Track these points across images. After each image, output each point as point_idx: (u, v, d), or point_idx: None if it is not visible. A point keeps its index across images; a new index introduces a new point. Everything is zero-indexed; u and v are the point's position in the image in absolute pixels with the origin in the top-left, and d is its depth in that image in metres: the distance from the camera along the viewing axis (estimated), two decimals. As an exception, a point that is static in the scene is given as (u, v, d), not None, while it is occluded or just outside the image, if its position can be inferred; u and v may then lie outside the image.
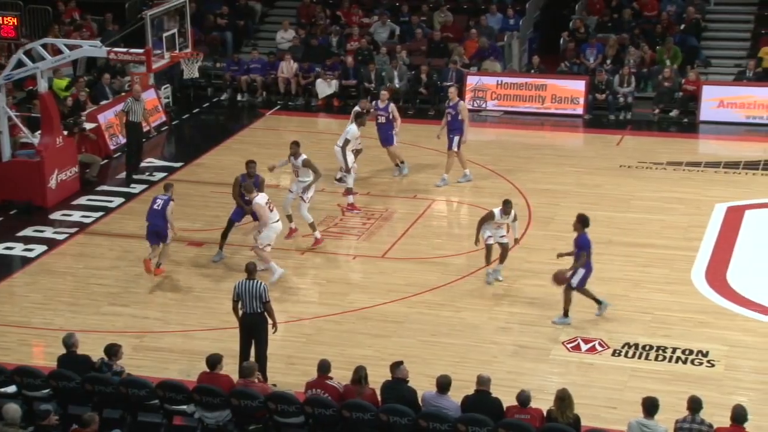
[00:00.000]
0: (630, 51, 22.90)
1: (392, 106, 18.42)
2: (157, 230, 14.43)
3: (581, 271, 13.09)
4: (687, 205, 16.98)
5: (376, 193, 17.81)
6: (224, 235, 15.07)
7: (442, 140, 18.13)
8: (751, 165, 18.80)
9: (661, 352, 12.50)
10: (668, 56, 22.63)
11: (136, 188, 18.12)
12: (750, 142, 20.42)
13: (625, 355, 12.48)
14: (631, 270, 14.72)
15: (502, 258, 14.39)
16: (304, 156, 15.53)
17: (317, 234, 15.57)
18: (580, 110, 22.11)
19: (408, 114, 22.33)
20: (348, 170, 16.83)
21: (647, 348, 12.61)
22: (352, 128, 16.94)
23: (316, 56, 23.91)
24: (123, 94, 21.32)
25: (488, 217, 14.21)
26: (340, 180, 17.35)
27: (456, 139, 17.81)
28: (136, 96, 18.49)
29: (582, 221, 13.26)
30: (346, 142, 16.80)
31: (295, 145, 15.61)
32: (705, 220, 16.34)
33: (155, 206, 14.52)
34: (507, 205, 14.17)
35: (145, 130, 19.07)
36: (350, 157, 16.88)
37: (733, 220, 16.26)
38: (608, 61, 23.06)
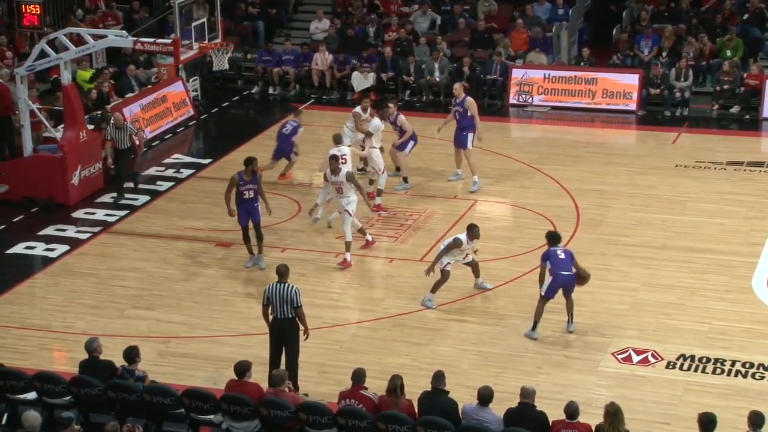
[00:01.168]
0: (688, 42, 22.68)
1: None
2: (284, 153, 17.28)
3: (548, 280, 12.96)
4: (748, 208, 16.79)
5: (415, 193, 17.79)
6: (246, 239, 15.05)
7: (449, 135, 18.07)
8: (819, 165, 18.56)
9: (719, 364, 12.37)
10: (729, 48, 22.39)
11: (162, 185, 18.24)
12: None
13: (680, 368, 12.36)
14: (688, 277, 14.58)
15: (477, 272, 14.18)
16: (346, 169, 15.32)
17: (368, 237, 15.67)
18: (633, 106, 21.94)
19: (449, 109, 22.30)
20: (382, 171, 16.86)
21: (704, 360, 12.47)
22: (375, 121, 16.93)
23: (353, 47, 23.94)
24: (150, 86, 21.49)
25: (454, 245, 13.75)
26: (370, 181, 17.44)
27: (469, 136, 17.68)
28: (118, 124, 17.75)
29: (549, 239, 13.32)
30: (369, 135, 16.89)
31: (334, 160, 15.21)
32: (767, 224, 16.15)
33: (284, 130, 17.36)
34: (473, 230, 13.82)
35: (138, 147, 18.67)
36: (378, 156, 16.87)
37: (798, 224, 16.06)
38: (664, 54, 22.86)
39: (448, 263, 13.90)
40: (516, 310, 13.82)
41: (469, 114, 17.73)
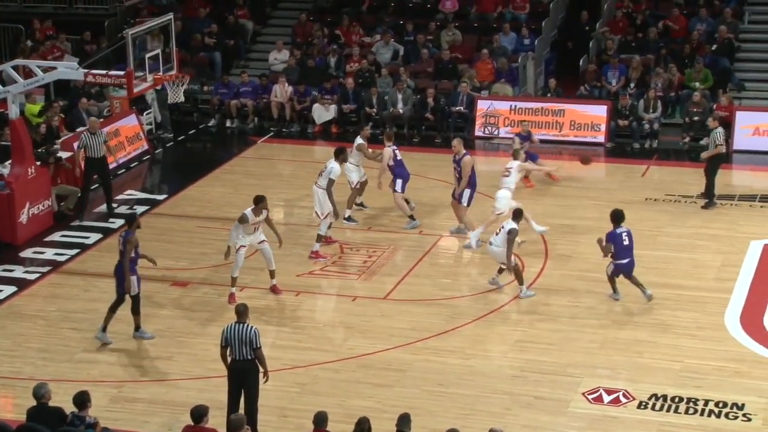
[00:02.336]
0: (656, 73, 23.07)
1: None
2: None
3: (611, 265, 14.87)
4: (720, 243, 17.04)
5: (379, 229, 17.87)
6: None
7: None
8: (790, 198, 18.91)
9: (692, 404, 12.49)
10: (698, 79, 22.80)
11: (115, 223, 18.19)
12: (789, 173, 20.54)
13: (653, 408, 12.47)
14: (659, 313, 14.74)
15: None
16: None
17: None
18: (601, 138, 22.25)
19: (413, 142, 22.52)
20: (336, 214, 16.78)
21: (677, 400, 12.59)
22: (334, 166, 16.71)
23: (313, 79, 24.07)
24: (102, 120, 21.49)
25: (516, 235, 15.31)
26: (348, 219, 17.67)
27: (466, 193, 17.12)
28: (92, 130, 18.34)
29: (613, 217, 15.03)
30: (330, 182, 16.57)
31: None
32: (739, 258, 16.38)
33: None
34: (520, 215, 15.50)
35: (114, 162, 19.07)
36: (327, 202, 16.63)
37: (770, 258, 16.32)
38: (632, 85, 23.24)
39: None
40: (482, 349, 13.89)
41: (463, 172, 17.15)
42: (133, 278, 13.95)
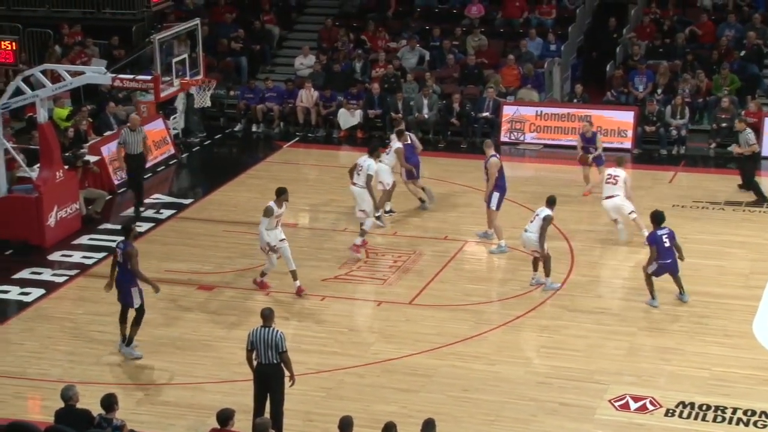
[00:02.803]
0: (683, 79, 22.97)
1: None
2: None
3: (653, 265, 14.86)
4: (748, 250, 16.94)
5: (404, 234, 17.89)
6: None
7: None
8: (821, 205, 18.77)
9: (720, 412, 12.42)
10: (725, 85, 22.68)
11: (142, 226, 18.30)
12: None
13: (680, 416, 12.41)
14: (686, 320, 14.67)
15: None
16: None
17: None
18: (628, 144, 22.17)
19: (439, 147, 22.53)
20: (376, 208, 17.00)
21: (704, 408, 12.52)
22: (371, 163, 16.91)
23: (339, 84, 24.15)
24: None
25: (549, 223, 15.56)
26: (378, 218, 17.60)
27: (494, 196, 17.08)
28: (132, 127, 18.83)
29: (654, 218, 15.10)
30: (369, 178, 16.84)
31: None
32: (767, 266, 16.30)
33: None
34: (553, 201, 15.76)
35: (149, 161, 19.46)
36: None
37: (799, 265, 16.21)
38: (659, 91, 23.14)
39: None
40: (508, 355, 13.87)
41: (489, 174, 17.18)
42: (134, 290, 13.85)
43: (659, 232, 14.89)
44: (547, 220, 15.51)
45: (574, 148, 21.92)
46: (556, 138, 22.54)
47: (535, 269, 15.76)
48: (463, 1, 26.17)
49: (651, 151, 22.06)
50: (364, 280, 16.14)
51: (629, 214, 17.23)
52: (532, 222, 15.69)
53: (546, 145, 22.46)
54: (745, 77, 22.96)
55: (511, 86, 23.81)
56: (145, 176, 19.84)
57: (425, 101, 23.09)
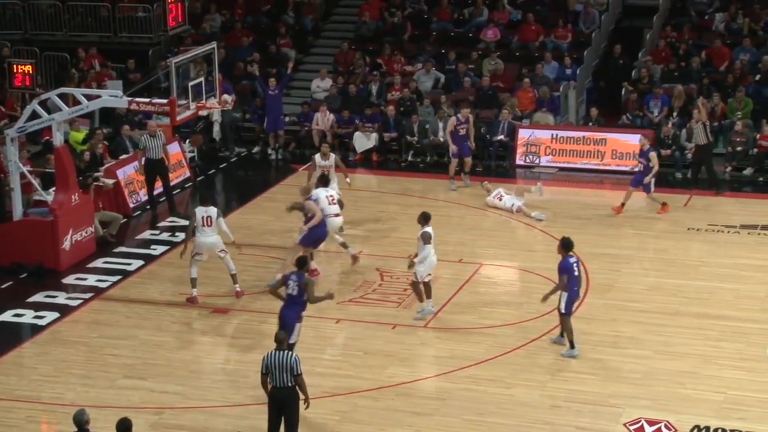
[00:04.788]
0: (698, 103, 22.95)
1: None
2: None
3: (564, 295, 14.17)
4: (764, 273, 16.89)
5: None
6: None
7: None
8: (836, 229, 18.73)
9: (736, 436, 12.38)
10: (740, 108, 22.68)
11: (157, 249, 18.39)
12: (834, 202, 20.33)
13: (697, 440, 12.38)
14: (701, 344, 14.64)
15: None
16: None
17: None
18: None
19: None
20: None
21: (720, 431, 12.51)
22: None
23: (354, 107, 24.27)
24: (142, 148, 21.87)
25: (430, 237, 15.28)
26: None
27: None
28: (151, 132, 19.40)
29: (564, 245, 14.40)
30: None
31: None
32: (784, 289, 16.29)
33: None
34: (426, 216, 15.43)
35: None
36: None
37: (815, 289, 16.16)
38: (674, 114, 23.15)
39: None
40: (523, 378, 13.86)
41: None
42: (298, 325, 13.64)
43: (570, 260, 14.28)
44: (425, 237, 15.31)
45: (589, 171, 22.01)
46: (572, 161, 22.55)
47: (425, 298, 15.55)
48: (479, 25, 26.28)
49: (666, 174, 22.03)
50: (379, 304, 16.16)
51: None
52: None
53: (561, 169, 22.48)
54: (760, 101, 22.96)
55: (527, 109, 23.87)
56: (160, 200, 20.00)
57: (440, 124, 23.15)
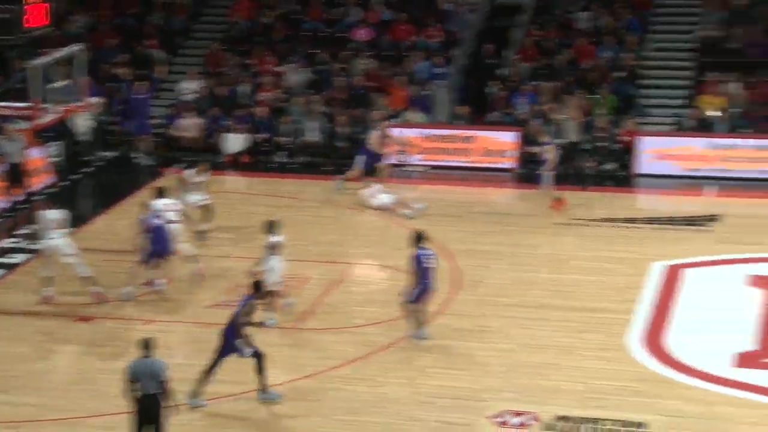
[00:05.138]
0: (564, 100, 23.53)
1: None
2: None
3: (416, 287, 14.33)
4: (625, 265, 17.42)
5: (289, 258, 17.86)
6: None
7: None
8: (691, 220, 19.46)
9: (597, 424, 12.71)
10: (603, 105, 23.33)
11: (16, 258, 17.90)
12: (689, 196, 21.14)
13: (559, 430, 12.66)
14: (565, 336, 15.00)
15: None
16: None
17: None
18: (511, 164, 22.59)
19: (325, 170, 22.62)
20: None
21: (581, 421, 12.81)
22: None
23: (225, 108, 24.05)
24: (2, 153, 21.25)
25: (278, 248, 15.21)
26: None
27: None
28: (10, 137, 18.80)
29: (415, 237, 14.48)
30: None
31: None
32: (642, 280, 16.78)
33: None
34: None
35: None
36: None
37: (672, 279, 16.74)
38: (542, 111, 23.63)
39: None
40: (393, 376, 13.95)
41: None
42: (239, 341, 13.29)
43: (422, 252, 14.44)
44: (271, 246, 15.24)
45: (459, 168, 22.33)
46: (442, 159, 22.85)
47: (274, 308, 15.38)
48: (350, 25, 26.39)
49: (534, 170, 22.48)
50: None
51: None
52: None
53: (432, 166, 22.74)
54: (621, 98, 23.67)
55: (398, 108, 24.06)
56: (23, 206, 19.51)
57: (312, 124, 23.15)
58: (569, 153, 21.61)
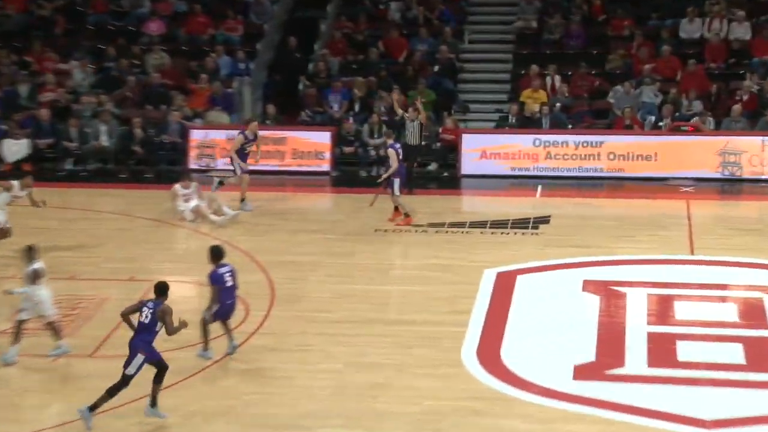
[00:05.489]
0: (379, 96, 23.47)
1: None
2: None
3: (215, 307, 14.09)
4: (453, 273, 17.37)
5: (85, 277, 16.98)
6: None
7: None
8: (520, 223, 19.67)
9: (430, 447, 12.51)
10: (423, 101, 23.36)
11: None
12: (517, 197, 21.43)
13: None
14: (394, 353, 14.72)
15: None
16: None
17: None
18: (326, 166, 22.38)
19: (120, 178, 21.83)
20: None
21: (416, 445, 12.58)
22: None
23: (1, 111, 23.02)
24: None
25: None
26: None
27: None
28: None
29: (213, 254, 14.20)
30: None
31: None
32: (473, 289, 16.69)
33: None
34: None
35: None
36: None
37: (504, 287, 16.77)
38: (356, 109, 23.53)
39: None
40: (209, 406, 13.37)
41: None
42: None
43: (220, 270, 14.15)
44: (31, 276, 14.31)
45: (270, 173, 21.88)
46: (250, 162, 22.26)
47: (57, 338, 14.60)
48: (140, 17, 25.62)
49: (350, 172, 22.34)
50: (39, 333, 15.04)
51: None
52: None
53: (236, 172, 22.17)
54: (440, 93, 23.79)
55: (200, 107, 23.48)
56: None
57: (103, 127, 22.45)
58: (409, 155, 21.25)
